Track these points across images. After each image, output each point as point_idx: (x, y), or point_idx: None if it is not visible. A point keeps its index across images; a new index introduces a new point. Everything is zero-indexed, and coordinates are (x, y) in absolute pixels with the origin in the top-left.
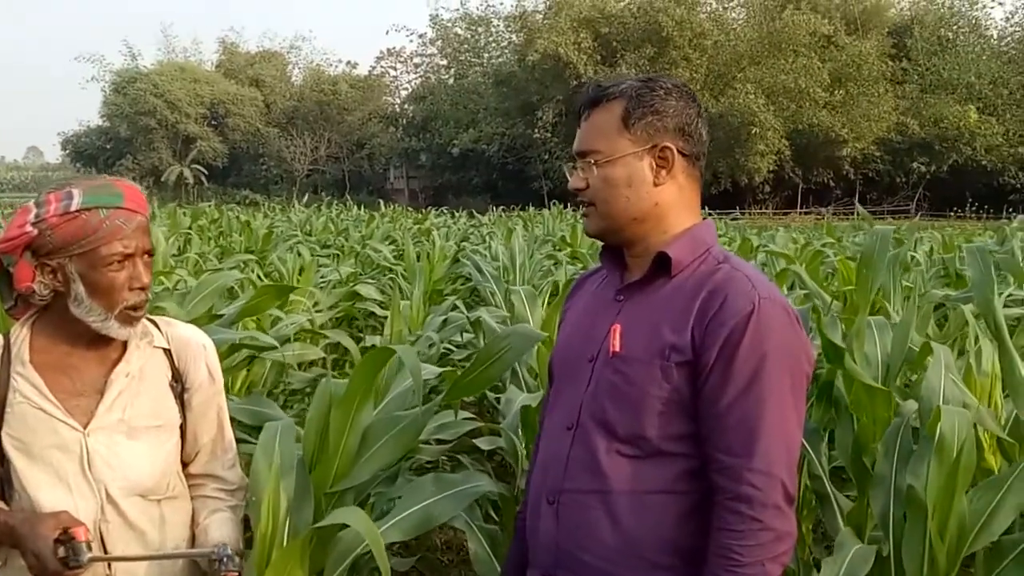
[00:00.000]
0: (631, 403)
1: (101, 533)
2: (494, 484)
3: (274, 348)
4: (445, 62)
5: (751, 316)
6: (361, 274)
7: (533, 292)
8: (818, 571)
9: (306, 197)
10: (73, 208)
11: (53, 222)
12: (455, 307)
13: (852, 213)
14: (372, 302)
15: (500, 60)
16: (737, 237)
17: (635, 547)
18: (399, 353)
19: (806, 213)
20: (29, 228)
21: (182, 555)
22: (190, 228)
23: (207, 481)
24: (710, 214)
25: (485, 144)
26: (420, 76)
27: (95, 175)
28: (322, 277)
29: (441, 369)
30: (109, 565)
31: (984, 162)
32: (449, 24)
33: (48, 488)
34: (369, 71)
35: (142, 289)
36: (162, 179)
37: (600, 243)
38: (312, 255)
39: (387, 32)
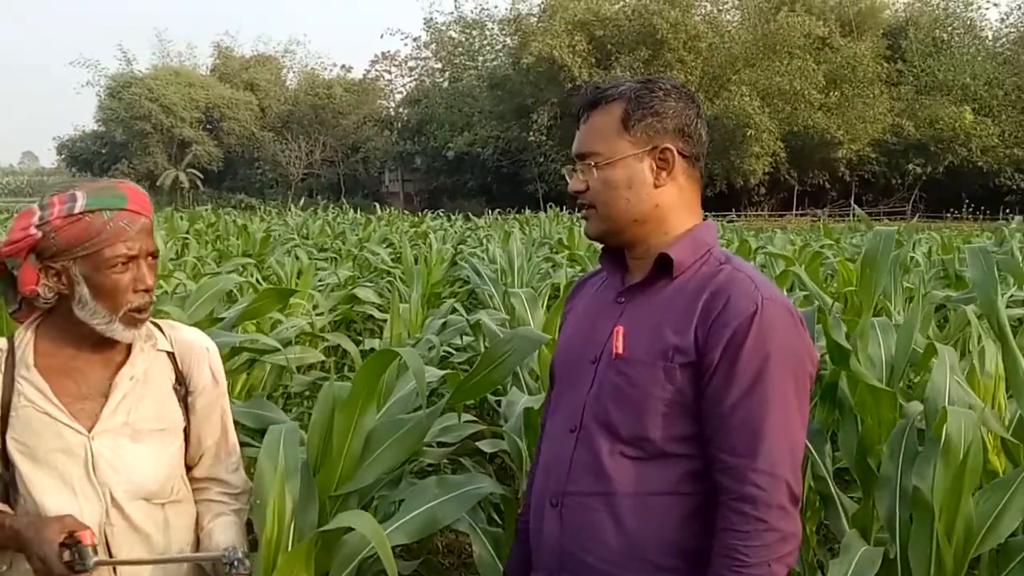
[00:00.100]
0: (634, 405)
1: (106, 537)
2: (496, 486)
3: (277, 351)
4: (440, 65)
5: (754, 317)
6: (359, 277)
7: (534, 295)
8: (822, 573)
9: (302, 201)
10: (77, 210)
11: (57, 224)
12: (454, 310)
13: (848, 215)
14: (371, 305)
15: (495, 63)
16: (735, 239)
17: (639, 549)
18: (403, 355)
19: (802, 215)
20: (33, 231)
21: (190, 559)
22: (187, 232)
23: (211, 485)
24: (706, 216)
25: (480, 147)
26: (415, 79)
27: (98, 177)
28: (320, 281)
29: (443, 372)
30: (114, 569)
31: (980, 163)
32: (443, 27)
33: (53, 492)
34: (364, 75)
35: (146, 291)
36: (157, 183)
37: (599, 245)
38: (310, 258)
39: (381, 36)
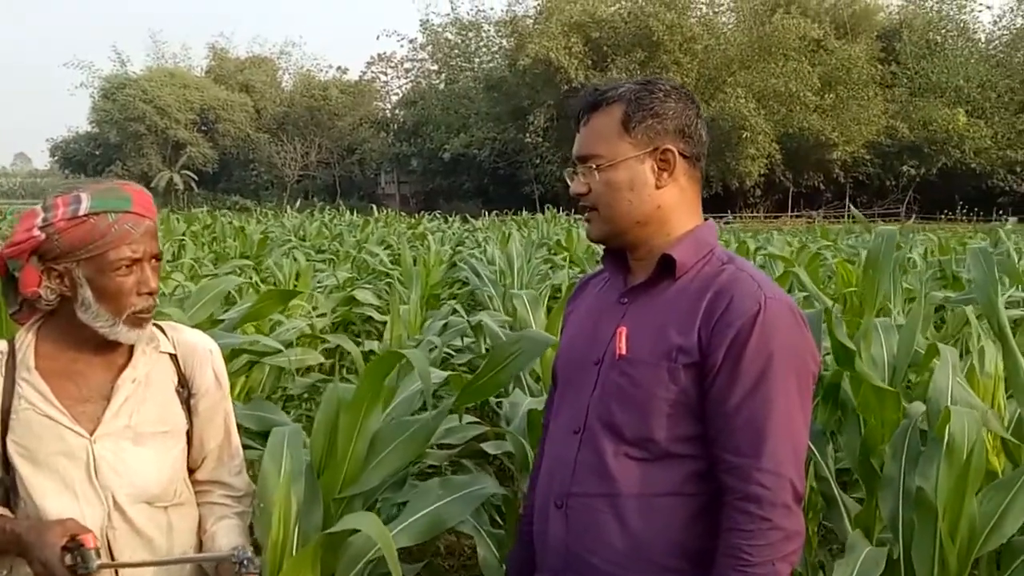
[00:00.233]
0: (638, 405)
1: (108, 540)
2: (499, 487)
3: (278, 352)
4: (436, 67)
5: (757, 316)
6: (358, 279)
7: (536, 296)
8: (824, 573)
9: (298, 203)
10: (81, 212)
11: (61, 226)
12: (455, 311)
13: (842, 216)
14: (370, 307)
15: (491, 65)
16: (732, 241)
17: (644, 550)
18: (409, 357)
19: (797, 216)
20: (36, 232)
21: (197, 559)
22: (184, 234)
23: (214, 487)
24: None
25: (476, 149)
26: (411, 81)
27: (101, 178)
28: (319, 282)
29: (446, 373)
30: (116, 572)
31: (973, 165)
32: (440, 29)
33: (54, 495)
34: (360, 76)
35: (150, 294)
36: (152, 185)
37: (599, 247)
38: (308, 260)
39: (378, 37)
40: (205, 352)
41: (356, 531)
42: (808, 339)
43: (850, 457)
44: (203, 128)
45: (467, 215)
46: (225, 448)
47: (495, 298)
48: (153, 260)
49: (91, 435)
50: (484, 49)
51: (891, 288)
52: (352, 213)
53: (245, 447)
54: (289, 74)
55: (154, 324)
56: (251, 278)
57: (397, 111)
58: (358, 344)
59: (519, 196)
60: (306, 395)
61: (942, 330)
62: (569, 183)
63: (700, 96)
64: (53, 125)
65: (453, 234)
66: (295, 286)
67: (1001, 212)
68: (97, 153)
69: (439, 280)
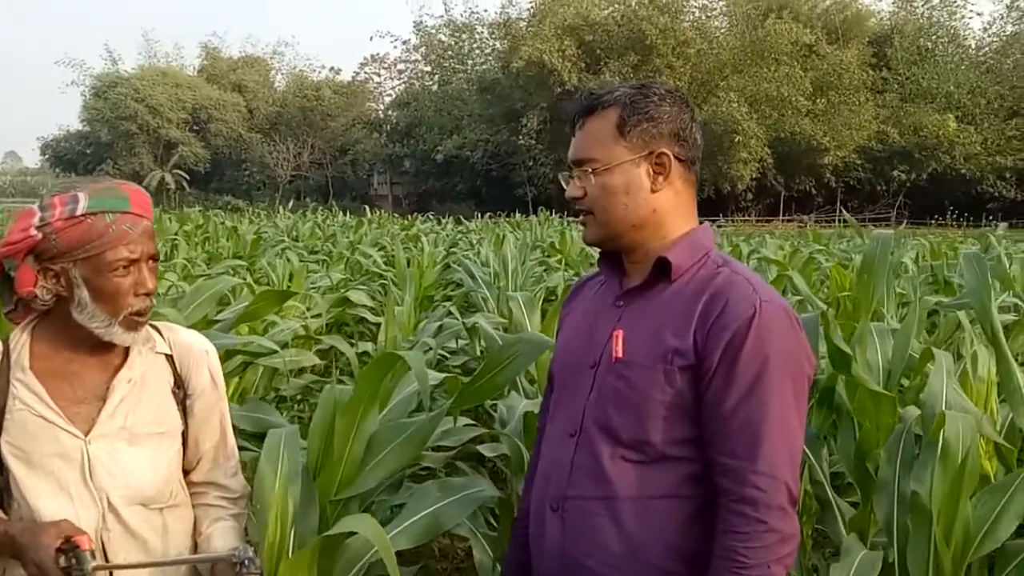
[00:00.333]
0: (634, 408)
1: (102, 542)
2: (495, 490)
3: (274, 353)
4: (429, 68)
5: (753, 319)
6: (351, 280)
7: (531, 298)
8: None
9: (290, 203)
10: (79, 212)
11: (58, 226)
12: (449, 313)
13: (833, 221)
14: (363, 308)
15: (484, 67)
16: (725, 244)
17: (640, 553)
18: (407, 359)
19: (788, 220)
20: (33, 232)
21: (196, 560)
22: (176, 234)
23: (209, 489)
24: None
25: (469, 150)
26: (404, 82)
27: (100, 177)
28: (312, 283)
29: (443, 375)
30: (111, 574)
31: (963, 170)
32: (433, 31)
33: (49, 497)
34: (353, 77)
35: (147, 295)
36: (143, 184)
37: (594, 249)
38: (301, 261)
39: (371, 38)
40: (201, 353)
41: (352, 534)
42: (803, 342)
43: (845, 461)
44: (195, 127)
45: (460, 217)
46: (221, 449)
47: (489, 300)
48: (150, 261)
49: (86, 436)
50: (477, 51)
51: (884, 292)
52: (345, 214)
53: (240, 448)
54: (282, 74)
55: (150, 324)
56: (244, 279)
57: (390, 112)
58: (352, 345)
59: (512, 198)
60: (299, 396)
61: (934, 335)
62: (565, 187)
63: (693, 100)
64: (44, 123)
65: (446, 236)
66: (288, 287)
67: (991, 218)
68: (88, 152)
69: (433, 282)
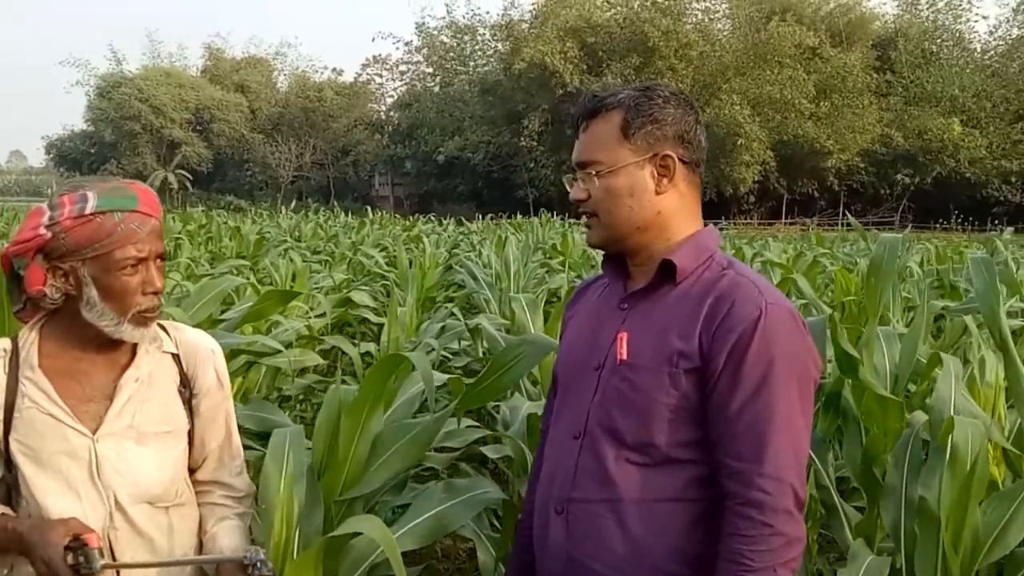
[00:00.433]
0: (639, 411)
1: (109, 540)
2: (499, 491)
3: (278, 353)
4: (431, 70)
5: (758, 322)
6: (353, 280)
7: (534, 300)
8: None
9: (293, 203)
10: (88, 211)
11: (67, 225)
12: (452, 314)
13: (836, 224)
14: (366, 308)
15: (486, 68)
16: (728, 247)
17: (645, 555)
18: (413, 360)
19: (791, 224)
20: (42, 231)
21: (207, 560)
22: (180, 233)
23: (214, 488)
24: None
25: (471, 152)
26: (406, 83)
27: (108, 177)
28: (315, 284)
29: (447, 376)
30: (118, 572)
31: (968, 174)
32: (435, 32)
33: (56, 495)
34: (355, 78)
35: (155, 293)
36: (146, 184)
37: (596, 251)
38: (303, 261)
39: (373, 39)
40: (207, 352)
41: (357, 534)
42: (809, 344)
43: (851, 465)
44: (198, 128)
45: (461, 218)
46: (226, 449)
47: (492, 301)
48: (158, 259)
49: (94, 434)
50: (479, 52)
51: (891, 297)
52: (347, 215)
53: (245, 448)
54: (284, 75)
55: (157, 324)
56: (248, 278)
57: (392, 113)
58: (355, 346)
59: (513, 200)
60: (301, 396)
61: (940, 339)
62: (569, 189)
63: (695, 102)
64: (49, 123)
65: (448, 237)
66: (292, 287)
67: (996, 222)
68: (92, 151)
69: (435, 283)
